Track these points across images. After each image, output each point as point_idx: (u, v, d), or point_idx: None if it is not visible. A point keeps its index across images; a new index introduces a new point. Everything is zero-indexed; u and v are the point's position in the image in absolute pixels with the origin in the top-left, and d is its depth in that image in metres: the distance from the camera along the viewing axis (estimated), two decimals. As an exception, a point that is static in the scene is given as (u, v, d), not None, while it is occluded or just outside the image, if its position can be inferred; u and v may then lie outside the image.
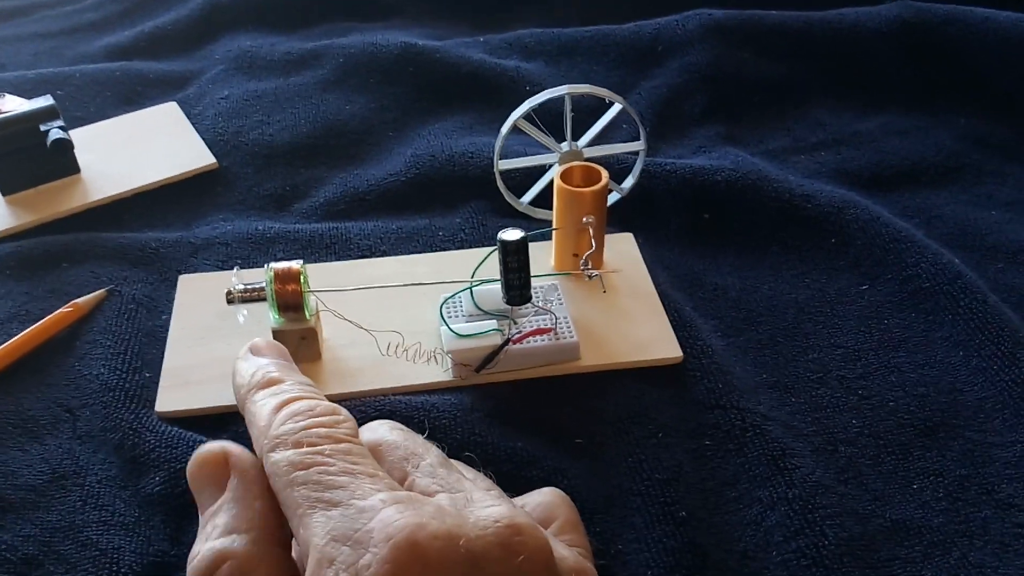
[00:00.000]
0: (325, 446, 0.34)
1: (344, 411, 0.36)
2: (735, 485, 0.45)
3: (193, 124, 0.72)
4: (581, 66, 0.78)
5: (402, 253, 0.60)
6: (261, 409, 0.36)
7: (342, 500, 0.31)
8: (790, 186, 0.62)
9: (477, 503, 0.33)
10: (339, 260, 0.59)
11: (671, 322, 0.53)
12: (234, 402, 0.48)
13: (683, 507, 0.44)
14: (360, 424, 0.37)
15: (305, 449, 0.33)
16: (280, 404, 0.36)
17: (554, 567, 0.32)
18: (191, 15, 0.86)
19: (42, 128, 0.63)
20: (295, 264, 0.48)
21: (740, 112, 0.73)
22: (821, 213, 0.61)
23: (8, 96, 0.68)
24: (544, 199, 0.60)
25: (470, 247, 0.60)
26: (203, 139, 0.70)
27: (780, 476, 0.45)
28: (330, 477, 0.32)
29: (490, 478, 0.38)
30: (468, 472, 0.38)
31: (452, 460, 0.38)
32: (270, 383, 0.38)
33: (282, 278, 0.48)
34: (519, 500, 0.40)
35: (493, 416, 0.48)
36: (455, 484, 0.35)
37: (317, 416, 0.35)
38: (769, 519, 0.43)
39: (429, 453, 0.37)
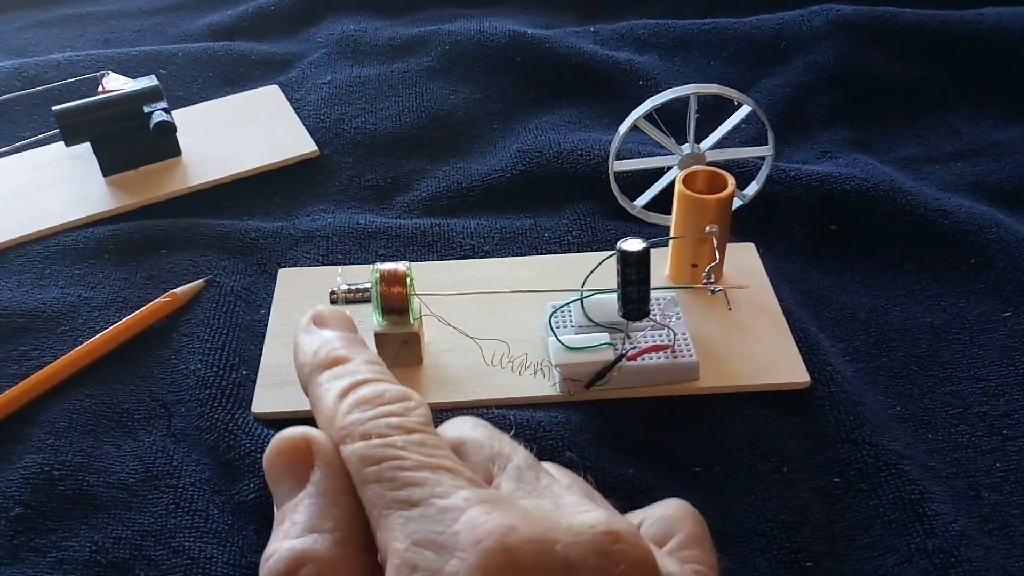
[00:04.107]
0: (396, 437, 0.30)
1: (416, 395, 0.32)
2: (868, 531, 0.42)
3: (295, 109, 0.70)
4: (697, 60, 0.75)
5: (506, 254, 0.57)
6: (326, 395, 0.33)
7: (421, 498, 0.28)
8: (925, 199, 0.58)
9: (569, 507, 0.30)
10: (441, 258, 0.57)
11: (796, 343, 0.49)
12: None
13: (810, 554, 0.40)
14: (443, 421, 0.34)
15: (375, 441, 0.30)
16: (346, 389, 0.32)
17: None
18: (294, -4, 0.85)
19: (146, 109, 0.62)
20: (401, 266, 0.46)
21: (869, 116, 0.68)
22: (959, 230, 0.56)
23: (112, 75, 0.68)
24: (658, 203, 0.57)
25: (577, 250, 0.57)
26: (304, 125, 0.68)
27: (918, 523, 0.41)
28: (405, 473, 0.29)
29: (589, 483, 0.34)
30: (564, 477, 0.35)
31: (546, 463, 0.35)
32: (335, 362, 0.34)
33: (388, 280, 0.45)
34: (638, 513, 0.36)
35: (603, 437, 0.45)
36: (544, 490, 0.32)
37: (386, 403, 0.31)
38: (907, 572, 0.40)
39: (516, 454, 0.33)
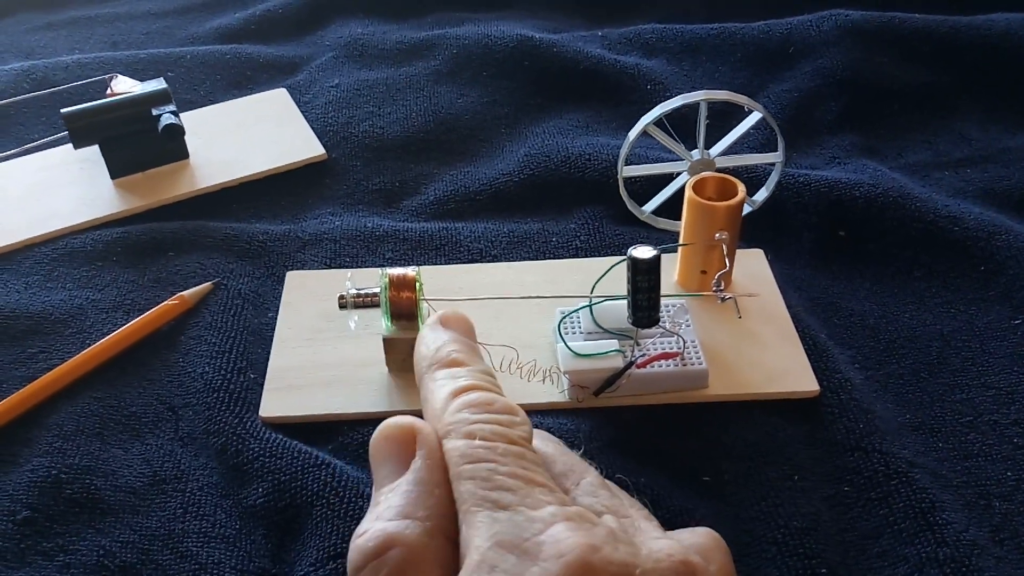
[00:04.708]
0: (498, 443, 0.31)
1: (522, 412, 0.34)
2: (878, 539, 0.41)
3: (302, 112, 0.70)
4: (705, 65, 0.74)
5: (513, 258, 0.57)
6: (440, 390, 0.34)
7: (511, 504, 0.29)
8: (935, 206, 0.57)
9: (646, 533, 0.31)
10: (448, 262, 0.57)
11: (806, 351, 0.49)
12: (339, 411, 0.47)
13: (823, 561, 0.40)
14: None
15: (477, 442, 0.31)
16: (458, 390, 0.34)
17: None
18: (302, -1, 0.85)
19: (154, 112, 0.62)
20: (410, 271, 0.46)
21: (877, 121, 0.68)
22: (969, 237, 0.56)
23: (120, 77, 0.68)
24: (667, 209, 0.57)
25: (585, 255, 0.57)
26: (312, 128, 0.68)
27: (929, 532, 0.41)
28: (500, 477, 0.30)
29: (646, 506, 0.35)
30: (625, 498, 0.36)
31: (608, 482, 0.35)
32: (453, 363, 0.36)
33: (397, 285, 0.45)
34: (670, 536, 0.36)
35: (613, 445, 0.45)
36: (619, 508, 0.33)
37: (494, 412, 0.33)
38: (918, 581, 0.39)
39: (589, 471, 0.35)
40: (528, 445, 0.32)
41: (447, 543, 0.31)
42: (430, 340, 0.38)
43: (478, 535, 0.29)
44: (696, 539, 0.34)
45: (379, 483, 0.33)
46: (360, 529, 0.31)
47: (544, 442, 0.36)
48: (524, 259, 0.57)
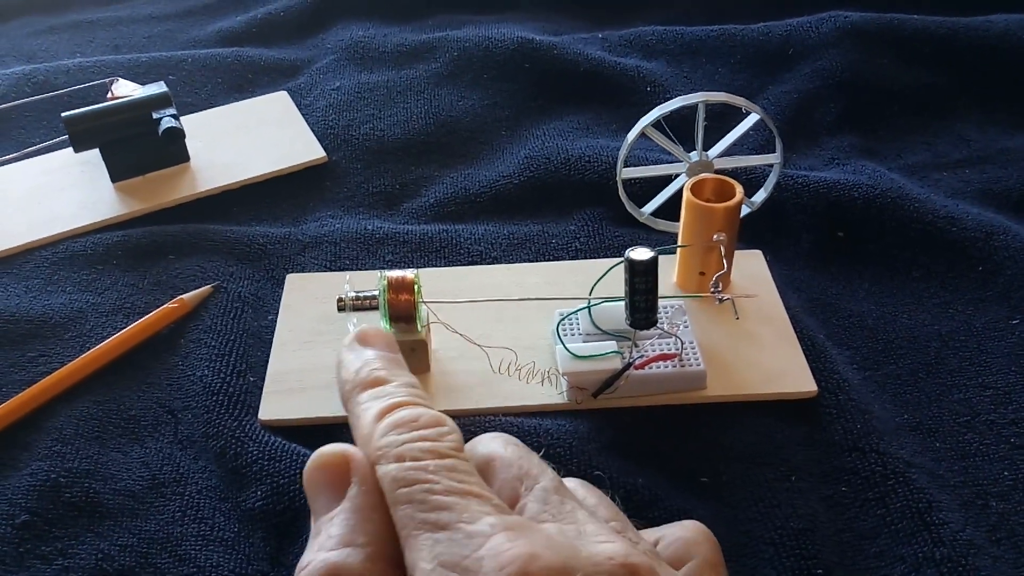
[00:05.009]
0: (429, 462, 0.31)
1: (450, 421, 0.33)
2: (875, 539, 0.41)
3: (303, 115, 0.70)
4: (705, 67, 0.74)
5: (513, 260, 0.57)
6: (364, 413, 0.34)
7: (449, 522, 0.29)
8: (933, 207, 0.58)
9: (590, 536, 0.31)
10: (448, 264, 0.57)
11: (804, 351, 0.49)
12: (339, 413, 0.46)
13: (820, 562, 0.40)
14: (472, 437, 0.34)
15: (408, 464, 0.31)
16: (383, 411, 0.33)
17: None
18: (303, 2, 0.84)
19: (155, 116, 0.62)
20: (409, 273, 0.46)
21: (876, 123, 0.68)
22: (967, 238, 0.56)
23: (121, 81, 0.68)
24: (666, 210, 0.57)
25: (585, 257, 0.57)
26: (313, 131, 0.68)
27: (926, 532, 0.41)
28: (435, 497, 0.30)
29: (616, 504, 0.35)
30: (591, 497, 0.36)
31: (576, 480, 0.35)
32: (375, 383, 0.35)
33: (396, 287, 0.45)
34: (656, 531, 0.36)
35: (611, 447, 0.45)
36: (568, 515, 0.32)
37: (421, 428, 0.32)
38: (915, 581, 0.39)
39: (544, 475, 0.34)
40: (459, 455, 0.32)
41: (390, 567, 0.31)
42: (349, 362, 0.37)
43: (421, 558, 0.29)
44: (680, 533, 0.34)
45: (317, 513, 0.33)
46: (302, 562, 0.31)
47: (504, 445, 0.35)
48: (524, 261, 0.57)
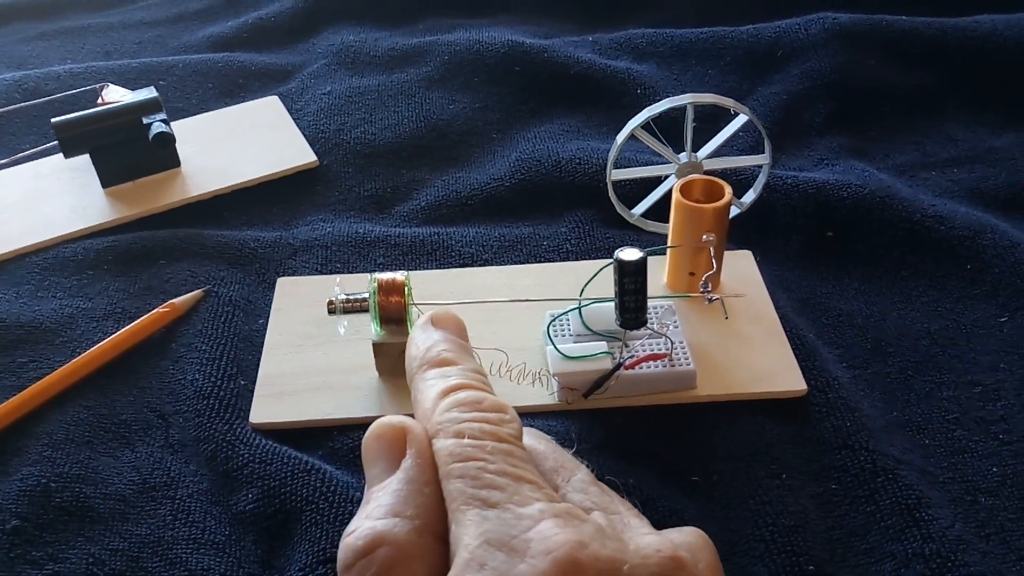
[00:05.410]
0: (487, 442, 0.32)
1: (512, 410, 0.34)
2: (865, 536, 0.42)
3: (294, 119, 0.70)
4: (695, 69, 0.75)
5: (505, 262, 0.57)
6: (429, 389, 0.35)
7: (500, 502, 0.30)
8: (922, 206, 0.58)
9: (635, 529, 0.32)
10: (440, 267, 0.57)
11: (793, 350, 0.49)
12: (329, 417, 0.47)
13: (811, 559, 0.40)
14: None
15: (466, 441, 0.32)
16: (448, 389, 0.34)
17: None
18: (294, 7, 0.85)
19: (145, 121, 0.62)
20: (399, 275, 0.46)
21: (865, 123, 0.68)
22: (955, 236, 0.56)
23: (111, 86, 0.68)
24: (656, 211, 0.57)
25: (576, 258, 0.57)
26: (304, 135, 0.68)
27: (915, 528, 0.41)
28: (489, 475, 0.30)
29: (635, 507, 0.35)
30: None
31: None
32: (442, 363, 0.36)
33: (386, 290, 0.46)
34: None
35: (602, 447, 0.45)
36: (609, 505, 0.33)
37: (483, 411, 0.33)
38: (904, 577, 0.40)
39: (580, 469, 0.35)
40: (517, 443, 0.32)
41: (436, 541, 0.31)
42: (420, 340, 0.38)
43: (467, 533, 0.29)
44: (684, 537, 0.34)
45: (370, 482, 0.33)
46: (350, 527, 0.31)
47: (536, 439, 0.36)
48: (515, 263, 0.57)
